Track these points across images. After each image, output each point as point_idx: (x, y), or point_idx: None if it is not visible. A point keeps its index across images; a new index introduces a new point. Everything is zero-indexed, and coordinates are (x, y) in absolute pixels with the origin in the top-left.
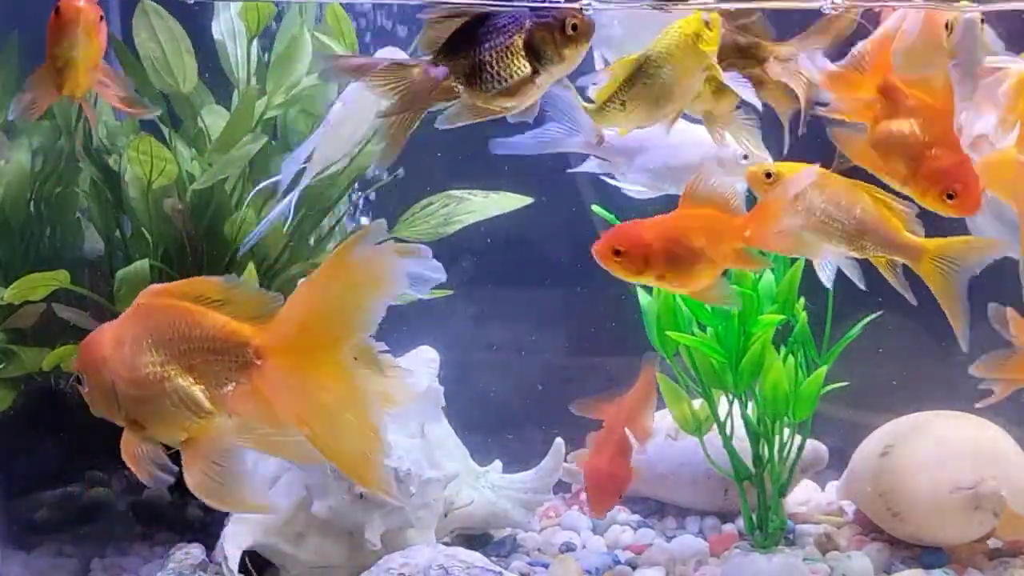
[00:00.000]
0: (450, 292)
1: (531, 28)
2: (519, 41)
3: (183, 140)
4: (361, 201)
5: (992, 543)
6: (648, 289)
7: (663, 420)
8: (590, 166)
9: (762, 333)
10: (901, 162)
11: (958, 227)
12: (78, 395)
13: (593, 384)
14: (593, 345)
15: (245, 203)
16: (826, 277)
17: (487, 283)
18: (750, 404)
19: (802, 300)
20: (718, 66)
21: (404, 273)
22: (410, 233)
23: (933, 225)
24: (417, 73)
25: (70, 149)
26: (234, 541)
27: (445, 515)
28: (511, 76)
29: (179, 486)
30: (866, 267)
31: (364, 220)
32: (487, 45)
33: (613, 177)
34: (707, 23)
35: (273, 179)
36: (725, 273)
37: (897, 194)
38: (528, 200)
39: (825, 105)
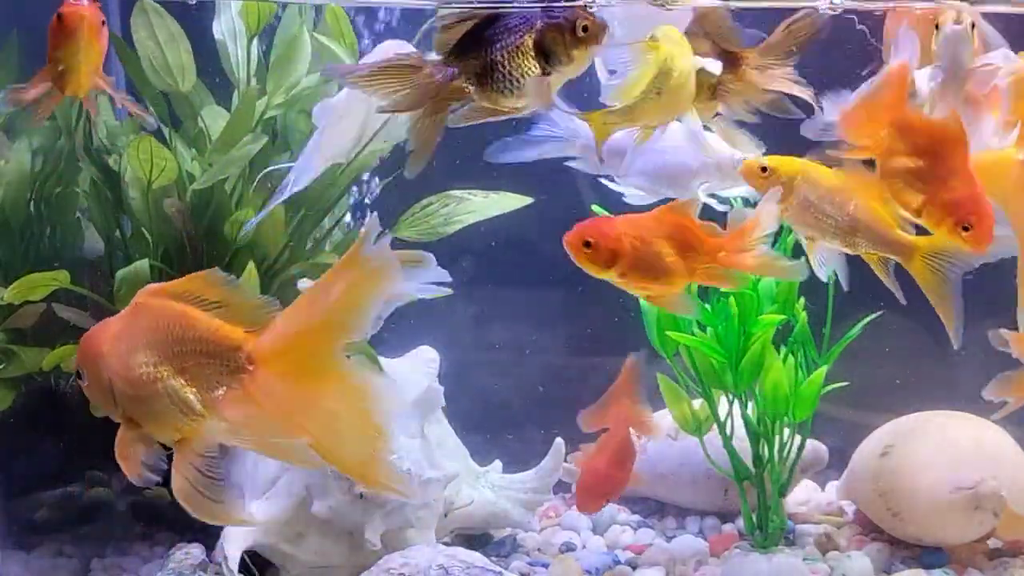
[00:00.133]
0: (450, 292)
1: (542, 28)
2: (529, 41)
3: (183, 140)
4: (360, 201)
5: (992, 543)
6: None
7: (663, 420)
8: (585, 165)
9: (762, 333)
10: (915, 195)
11: None
12: (78, 395)
13: (593, 384)
14: (593, 345)
15: (254, 185)
16: (823, 274)
17: (487, 283)
18: (750, 404)
19: (802, 300)
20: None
21: (405, 283)
22: (410, 233)
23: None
24: (426, 74)
25: (70, 149)
26: (234, 541)
27: (445, 515)
28: (522, 76)
29: None
30: (868, 267)
31: (372, 216)
32: (498, 45)
33: (612, 180)
34: None
35: (281, 165)
36: None
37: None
38: (528, 200)
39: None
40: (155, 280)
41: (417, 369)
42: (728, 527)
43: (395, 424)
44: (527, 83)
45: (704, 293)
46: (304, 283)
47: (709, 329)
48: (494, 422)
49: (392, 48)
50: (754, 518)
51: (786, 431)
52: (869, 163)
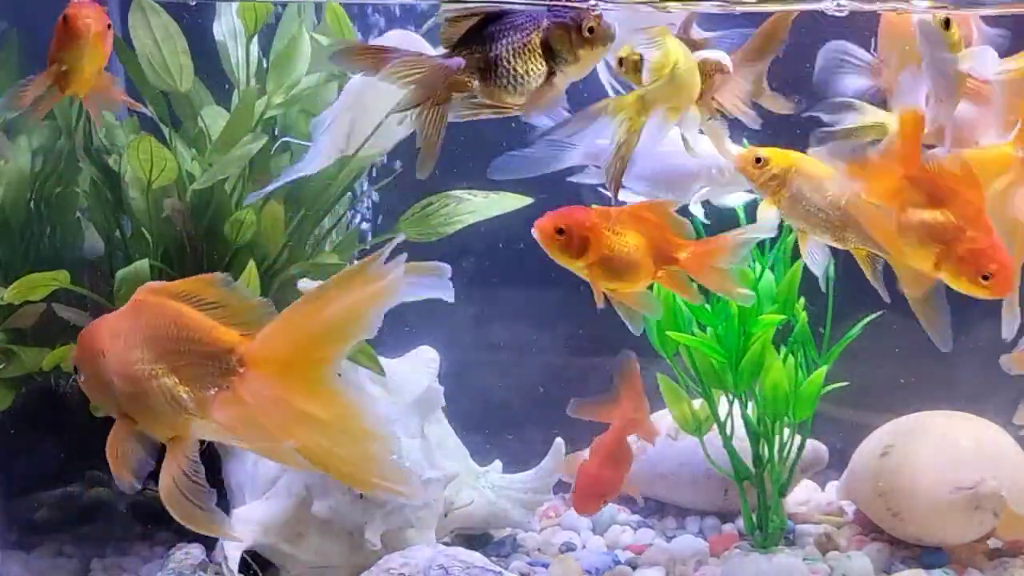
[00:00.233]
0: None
1: (549, 27)
2: (536, 39)
3: (183, 140)
4: (361, 200)
5: (992, 543)
6: (649, 289)
7: (663, 420)
8: (589, 178)
9: (762, 333)
10: (933, 247)
11: None
12: (78, 395)
13: (593, 384)
14: (593, 345)
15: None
16: (816, 268)
17: (487, 283)
18: (750, 404)
19: (802, 300)
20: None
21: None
22: (410, 233)
23: None
24: (432, 66)
25: (70, 149)
26: (234, 541)
27: (445, 515)
28: (527, 74)
29: None
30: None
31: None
32: (504, 42)
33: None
34: None
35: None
36: None
37: None
38: (528, 200)
39: None
40: (155, 280)
41: (417, 369)
42: (728, 527)
43: (387, 432)
44: (535, 93)
45: (705, 293)
46: (304, 283)
47: (709, 329)
48: (494, 422)
49: (398, 37)
50: (754, 518)
51: (786, 431)
52: None
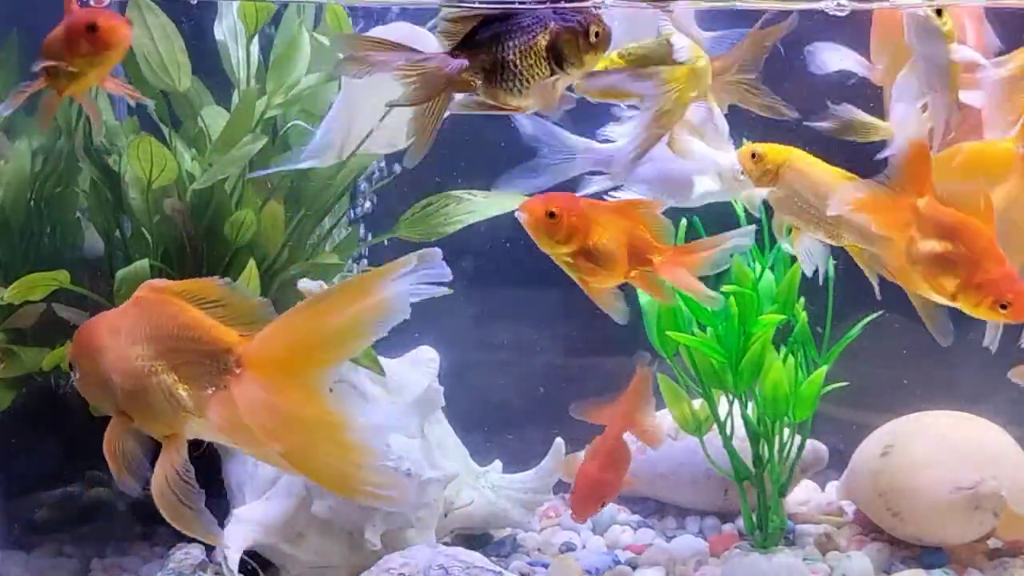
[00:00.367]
0: (450, 292)
1: (557, 31)
2: (543, 42)
3: (183, 140)
4: (362, 200)
5: (992, 543)
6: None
7: (663, 420)
8: (595, 188)
9: (762, 333)
10: (948, 278)
11: None
12: (78, 395)
13: (593, 384)
14: (593, 345)
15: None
16: (808, 267)
17: (487, 283)
18: (750, 404)
19: (802, 300)
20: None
21: (406, 307)
22: (410, 233)
23: None
24: (435, 66)
25: (70, 149)
26: (234, 541)
27: (445, 515)
28: (533, 76)
29: None
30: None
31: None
32: (511, 43)
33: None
34: None
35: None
36: (726, 272)
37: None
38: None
39: None
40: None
41: (417, 369)
42: (728, 527)
43: (375, 443)
44: (537, 88)
45: None
46: (304, 283)
47: (709, 329)
48: (494, 422)
49: (404, 30)
50: (754, 518)
51: (786, 431)
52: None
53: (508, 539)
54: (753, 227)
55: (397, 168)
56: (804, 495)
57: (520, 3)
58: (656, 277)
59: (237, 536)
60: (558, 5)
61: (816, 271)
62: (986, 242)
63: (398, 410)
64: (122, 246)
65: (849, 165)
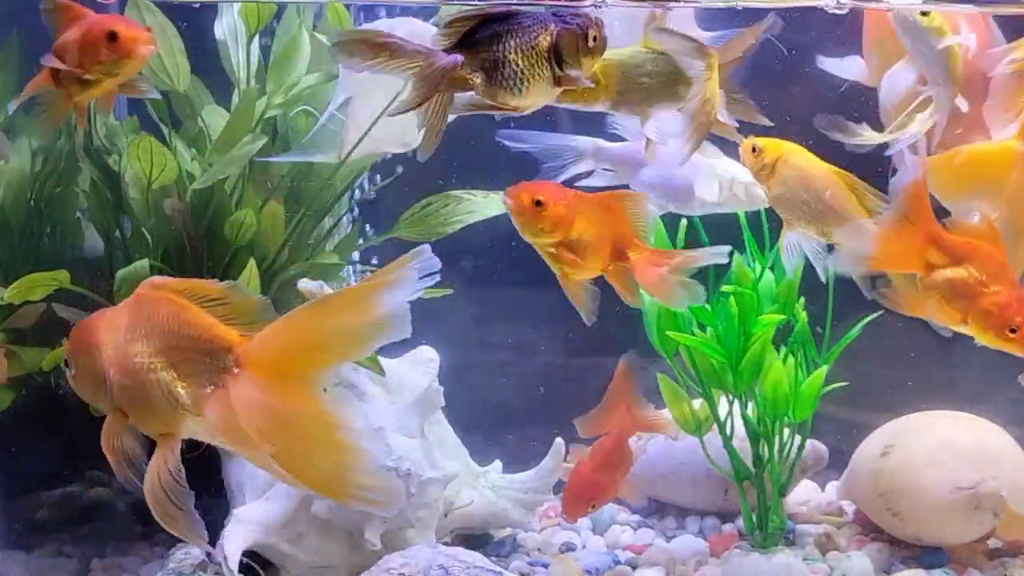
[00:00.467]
0: (450, 292)
1: (558, 32)
2: (544, 43)
3: (183, 140)
4: (361, 200)
5: (992, 543)
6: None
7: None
8: (599, 181)
9: (762, 333)
10: (960, 305)
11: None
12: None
13: (593, 384)
14: (593, 345)
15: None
16: (789, 265)
17: (487, 283)
18: (750, 404)
19: (802, 300)
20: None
21: (407, 321)
22: (410, 233)
23: None
24: (431, 63)
25: (70, 149)
26: (234, 541)
27: (445, 515)
28: (533, 76)
29: None
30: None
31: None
32: (512, 43)
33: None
34: None
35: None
36: (725, 273)
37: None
38: None
39: None
40: None
41: (417, 369)
42: (728, 527)
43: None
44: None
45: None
46: (304, 283)
47: (709, 329)
48: (494, 422)
49: (411, 26)
50: (754, 518)
51: (786, 431)
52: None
53: (508, 539)
54: (728, 248)
55: (399, 168)
56: (804, 495)
57: (520, 3)
58: (630, 276)
59: (237, 536)
60: (559, 5)
61: (811, 270)
62: (995, 266)
63: (398, 410)
64: (122, 246)
65: (852, 164)
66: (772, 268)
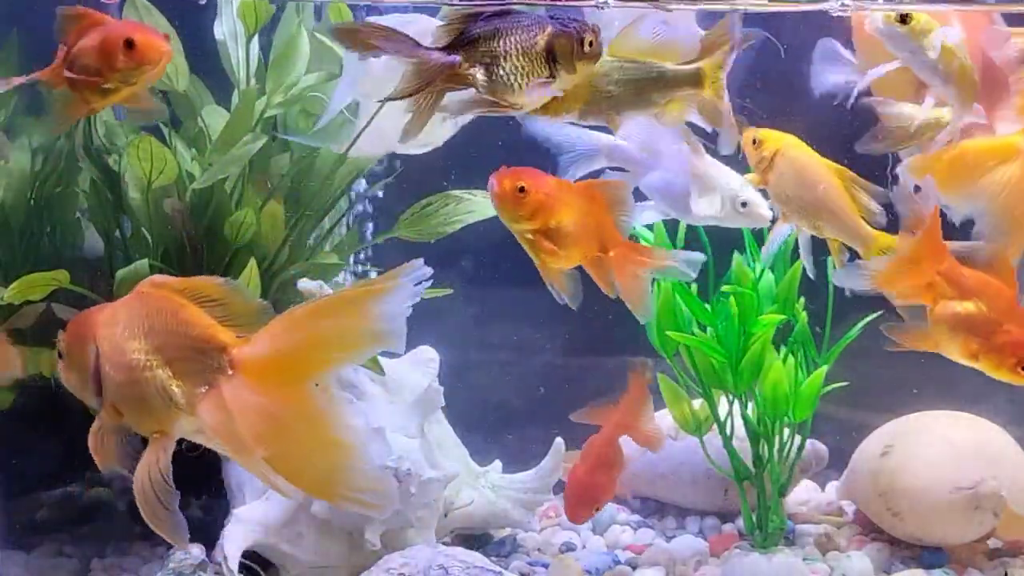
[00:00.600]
0: (450, 292)
1: (555, 33)
2: (542, 43)
3: (183, 140)
4: (361, 200)
5: (992, 543)
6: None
7: (663, 420)
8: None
9: (762, 333)
10: (971, 339)
11: None
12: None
13: (593, 384)
14: (593, 345)
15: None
16: (766, 253)
17: (487, 283)
18: (750, 404)
19: (802, 300)
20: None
21: (402, 328)
22: (410, 233)
23: None
24: (426, 58)
25: (70, 149)
26: (234, 541)
27: (445, 515)
28: (529, 76)
29: (176, 486)
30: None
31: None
32: (510, 42)
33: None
34: None
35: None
36: (725, 274)
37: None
38: None
39: None
40: None
41: (417, 369)
42: (728, 527)
43: (395, 421)
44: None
45: (704, 293)
46: (304, 283)
47: (709, 329)
48: (494, 422)
49: (423, 23)
50: (754, 518)
51: (786, 431)
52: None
53: (508, 539)
54: (702, 257)
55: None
56: (804, 495)
57: (522, 3)
58: (606, 269)
59: (237, 536)
60: (559, 5)
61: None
62: (1006, 303)
63: (398, 410)
64: (122, 246)
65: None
66: (772, 268)
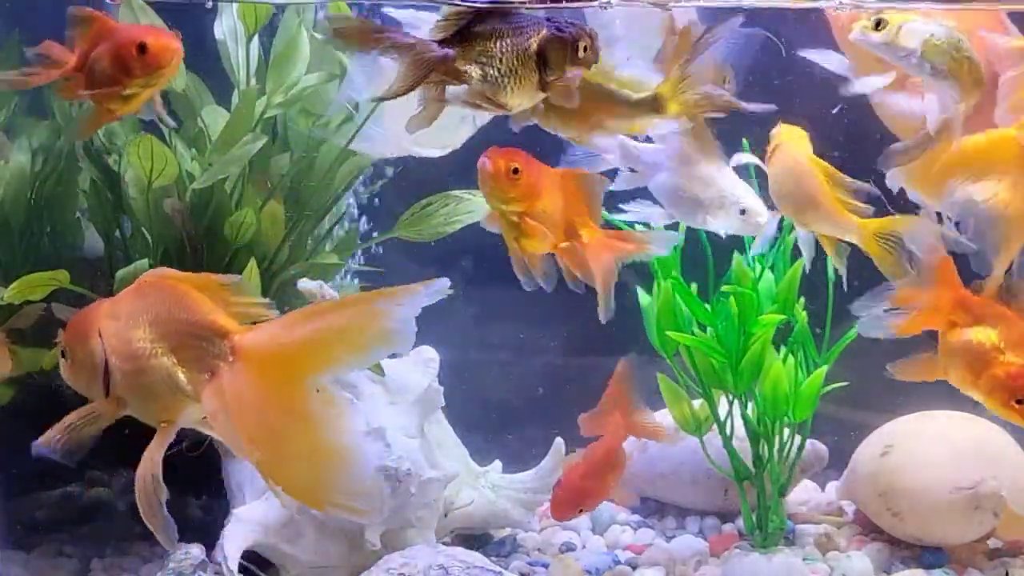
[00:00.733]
0: (450, 292)
1: (549, 37)
2: (535, 45)
3: (183, 140)
4: (360, 200)
5: (992, 543)
6: (648, 289)
7: (663, 420)
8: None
9: (762, 333)
10: (982, 369)
11: None
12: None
13: (593, 384)
14: (593, 345)
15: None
16: (756, 247)
17: (487, 283)
18: (750, 404)
19: (802, 300)
20: None
21: (410, 337)
22: (410, 233)
23: None
24: (420, 51)
25: (70, 149)
26: (234, 541)
27: (445, 515)
28: (520, 77)
29: (176, 485)
30: (871, 269)
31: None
32: (505, 43)
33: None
34: None
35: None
36: (725, 274)
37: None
38: None
39: None
40: None
41: (417, 369)
42: (728, 527)
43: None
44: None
45: (704, 293)
46: (304, 283)
47: (709, 329)
48: (494, 422)
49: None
50: (754, 518)
51: (786, 431)
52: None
53: (508, 539)
54: (676, 236)
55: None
56: (804, 495)
57: (520, 3)
58: (577, 258)
59: (237, 536)
60: (560, 6)
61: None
62: (1017, 336)
63: (398, 410)
64: (122, 246)
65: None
66: (772, 268)
